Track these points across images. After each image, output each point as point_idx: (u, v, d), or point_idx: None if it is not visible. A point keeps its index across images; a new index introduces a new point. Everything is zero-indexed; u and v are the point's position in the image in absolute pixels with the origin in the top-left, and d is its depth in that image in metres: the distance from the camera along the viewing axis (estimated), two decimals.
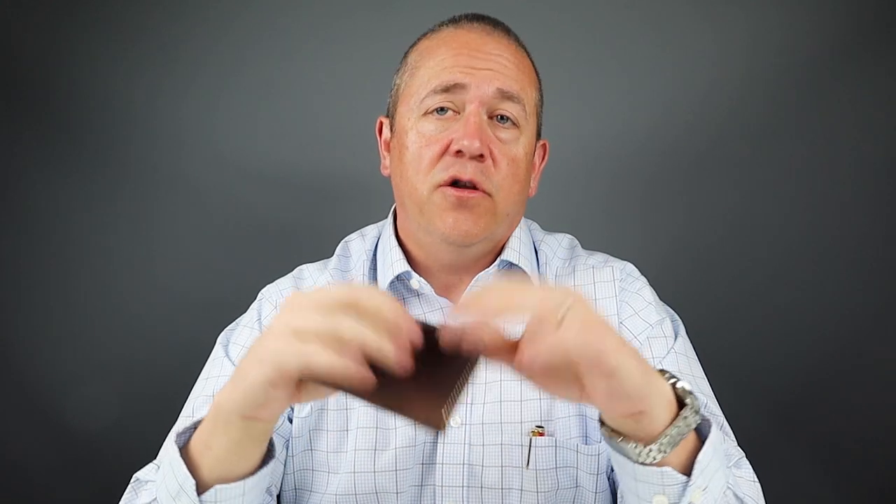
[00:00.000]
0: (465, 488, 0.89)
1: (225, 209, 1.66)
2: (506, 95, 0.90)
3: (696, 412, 0.63)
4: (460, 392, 0.61)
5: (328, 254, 1.05)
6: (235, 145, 1.66)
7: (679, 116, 1.63)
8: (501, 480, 0.88)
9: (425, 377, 0.60)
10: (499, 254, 0.97)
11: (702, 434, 0.66)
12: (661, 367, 0.88)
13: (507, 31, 0.97)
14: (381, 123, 1.01)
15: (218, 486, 0.66)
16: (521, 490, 0.88)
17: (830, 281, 1.60)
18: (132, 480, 0.84)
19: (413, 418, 0.60)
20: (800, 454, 1.60)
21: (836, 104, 1.59)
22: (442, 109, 0.90)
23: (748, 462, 0.82)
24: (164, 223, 1.66)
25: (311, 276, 1.01)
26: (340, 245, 1.04)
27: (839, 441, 1.59)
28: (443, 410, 0.59)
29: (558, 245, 1.03)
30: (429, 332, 0.62)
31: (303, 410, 0.93)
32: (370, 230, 1.05)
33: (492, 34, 0.94)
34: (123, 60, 1.64)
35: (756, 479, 0.77)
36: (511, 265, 0.97)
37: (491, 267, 0.95)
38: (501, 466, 0.89)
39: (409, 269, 0.95)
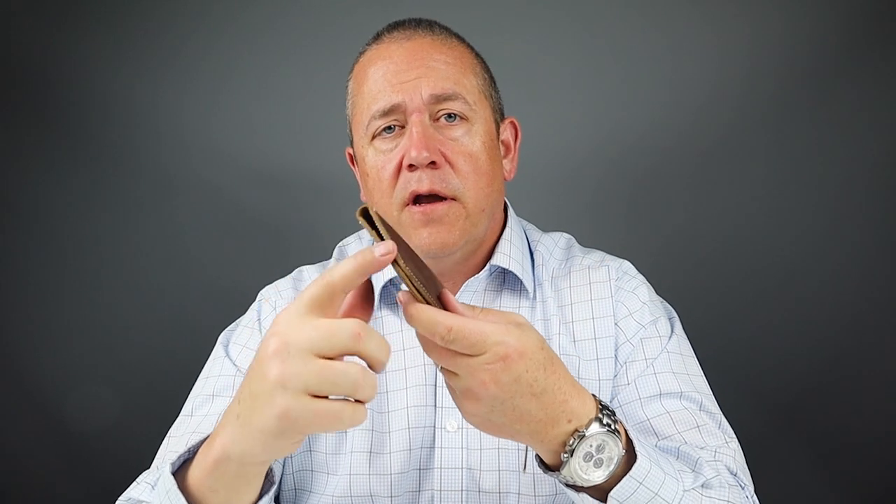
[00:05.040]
0: (463, 492, 0.88)
1: (225, 209, 1.66)
2: (441, 98, 0.90)
3: (609, 461, 0.68)
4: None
5: (327, 254, 1.05)
6: (235, 145, 1.66)
7: (681, 118, 1.63)
8: (499, 484, 0.88)
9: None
10: (489, 255, 0.97)
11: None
12: (653, 369, 0.88)
13: (431, 28, 0.95)
14: (350, 155, 1.02)
15: None
16: (519, 494, 0.88)
17: (831, 281, 1.60)
18: (125, 500, 0.77)
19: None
20: (800, 454, 1.60)
21: (838, 106, 1.59)
22: (389, 128, 0.90)
23: (729, 479, 0.79)
24: (164, 223, 1.66)
25: (311, 278, 1.01)
26: (337, 248, 1.04)
27: (839, 441, 1.59)
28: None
29: (555, 245, 1.02)
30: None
31: None
32: (366, 232, 1.04)
33: (412, 38, 0.93)
34: (124, 60, 1.64)
35: (730, 500, 0.75)
36: (503, 270, 0.96)
37: (481, 273, 0.95)
38: (499, 470, 0.88)
39: (395, 274, 0.95)
